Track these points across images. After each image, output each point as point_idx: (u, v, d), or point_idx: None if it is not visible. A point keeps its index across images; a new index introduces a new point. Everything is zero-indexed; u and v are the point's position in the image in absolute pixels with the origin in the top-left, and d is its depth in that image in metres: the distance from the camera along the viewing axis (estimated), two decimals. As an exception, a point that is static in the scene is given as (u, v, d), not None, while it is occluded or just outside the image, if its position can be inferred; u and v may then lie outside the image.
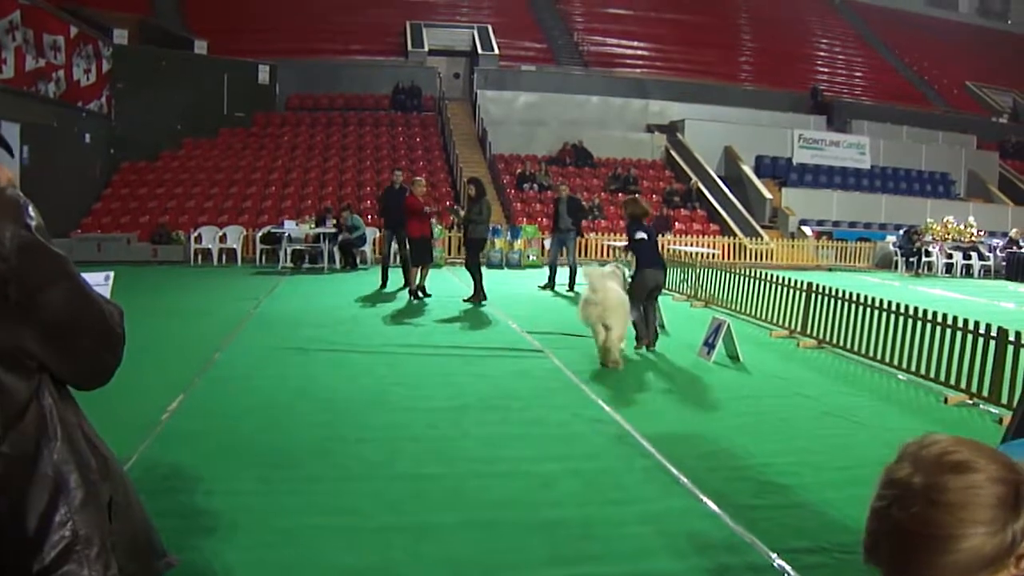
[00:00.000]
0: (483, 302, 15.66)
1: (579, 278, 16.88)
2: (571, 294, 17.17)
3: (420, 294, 15.94)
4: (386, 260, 17.67)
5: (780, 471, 6.41)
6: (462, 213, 16.74)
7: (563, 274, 18.11)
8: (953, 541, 1.37)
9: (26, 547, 1.65)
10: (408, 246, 16.22)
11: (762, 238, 28.57)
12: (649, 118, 35.79)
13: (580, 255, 24.88)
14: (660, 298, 12.92)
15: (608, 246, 24.83)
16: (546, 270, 18.64)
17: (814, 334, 12.40)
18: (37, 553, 1.66)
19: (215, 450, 6.58)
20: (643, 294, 11.45)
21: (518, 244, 24.62)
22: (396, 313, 14.46)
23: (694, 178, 31.78)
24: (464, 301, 15.58)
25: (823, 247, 29.59)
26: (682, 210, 30.01)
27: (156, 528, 1.99)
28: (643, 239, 11.52)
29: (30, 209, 1.67)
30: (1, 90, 20.81)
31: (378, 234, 22.53)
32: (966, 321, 9.31)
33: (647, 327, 11.69)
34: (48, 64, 23.63)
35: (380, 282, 17.48)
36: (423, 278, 16.08)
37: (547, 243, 21.72)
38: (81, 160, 26.11)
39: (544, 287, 18.00)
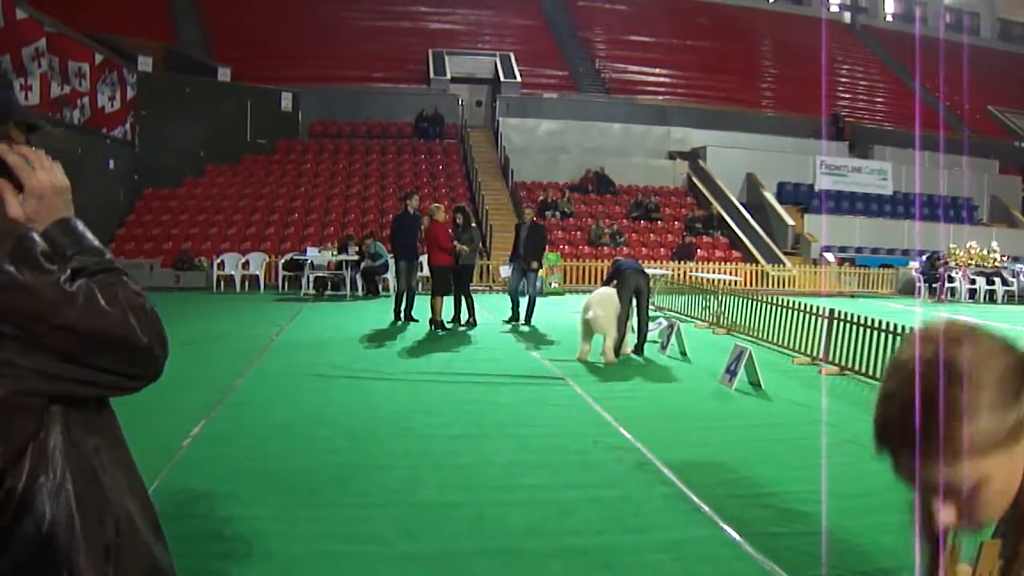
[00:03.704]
0: (451, 325, 16.13)
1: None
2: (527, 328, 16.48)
3: (441, 328, 15.69)
4: (401, 292, 17.02)
5: (801, 499, 6.37)
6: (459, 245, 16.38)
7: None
8: (968, 414, 1.35)
9: None
10: (431, 276, 16.30)
11: (784, 265, 28.51)
12: (671, 145, 35.81)
13: (588, 281, 24.93)
14: (682, 325, 13.38)
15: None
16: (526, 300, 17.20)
17: (836, 361, 12.34)
18: None
19: (235, 476, 6.59)
20: (629, 290, 13.00)
21: (540, 272, 24.56)
22: (417, 341, 14.49)
23: (715, 204, 31.77)
24: (449, 322, 16.06)
25: (845, 273, 29.51)
26: (704, 237, 29.98)
27: (171, 565, 1.97)
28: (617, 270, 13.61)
29: (27, 239, 1.66)
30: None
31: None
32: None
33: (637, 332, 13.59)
34: (73, 91, 23.88)
35: (394, 316, 17.00)
36: (440, 311, 15.81)
37: (504, 271, 20.93)
38: (105, 186, 26.31)
39: (509, 321, 16.89)
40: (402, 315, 16.78)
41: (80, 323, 1.68)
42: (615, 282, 13.05)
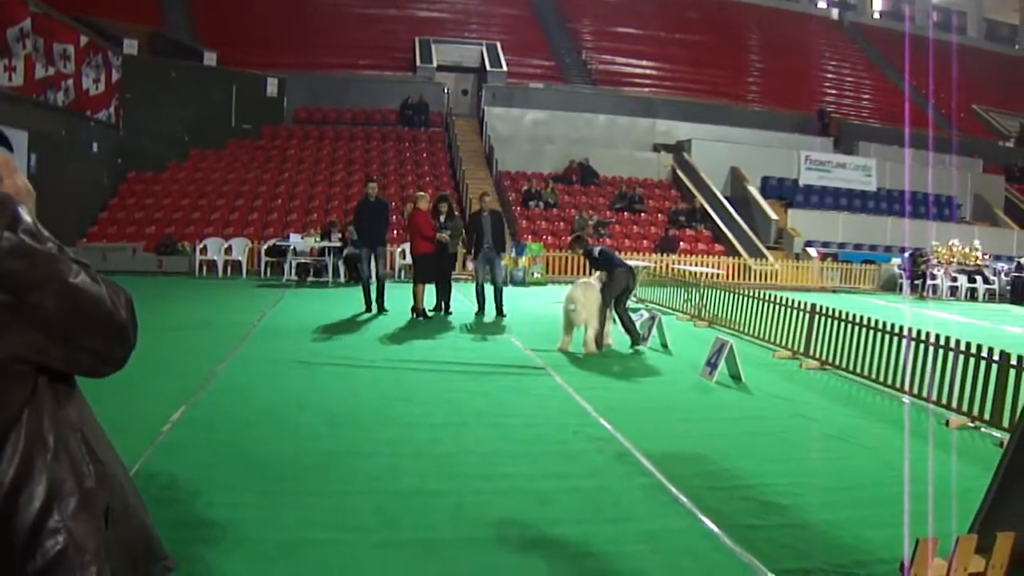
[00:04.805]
0: (432, 314, 15.99)
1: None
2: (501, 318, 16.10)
3: (423, 316, 15.57)
4: (367, 281, 16.57)
5: (780, 492, 6.40)
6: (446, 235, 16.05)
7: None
8: None
9: (18, 554, 1.66)
10: (413, 264, 16.26)
11: (767, 259, 28.58)
12: (656, 137, 35.80)
13: (571, 272, 24.98)
14: (664, 317, 13.46)
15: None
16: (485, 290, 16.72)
17: (817, 355, 12.38)
18: (29, 560, 1.67)
19: (216, 462, 6.59)
20: (617, 291, 12.98)
21: (523, 261, 24.62)
22: (399, 328, 14.47)
23: (698, 197, 31.82)
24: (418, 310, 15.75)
25: (828, 269, 29.57)
26: (687, 230, 30.01)
27: (156, 533, 2.00)
28: (601, 251, 13.55)
29: (19, 210, 1.68)
30: (10, 97, 20.89)
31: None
32: (968, 344, 9.30)
33: (627, 329, 13.31)
34: (57, 73, 23.72)
35: (364, 306, 16.35)
36: (422, 298, 15.68)
37: (469, 264, 19.46)
38: (88, 169, 26.21)
39: (477, 313, 16.49)
40: (375, 304, 16.36)
41: (74, 294, 1.70)
42: (601, 273, 13.03)
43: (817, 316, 12.57)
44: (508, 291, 16.77)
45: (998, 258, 30.70)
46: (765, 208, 32.02)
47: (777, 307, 13.89)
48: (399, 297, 16.83)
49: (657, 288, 20.08)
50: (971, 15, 57.44)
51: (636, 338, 13.20)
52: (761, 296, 14.74)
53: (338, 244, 22.61)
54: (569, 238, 15.18)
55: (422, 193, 16.53)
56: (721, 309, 16.16)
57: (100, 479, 1.80)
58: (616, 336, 13.40)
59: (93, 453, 1.82)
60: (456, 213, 16.85)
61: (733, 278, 26.22)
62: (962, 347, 9.38)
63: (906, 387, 10.17)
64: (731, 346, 10.93)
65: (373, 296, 16.36)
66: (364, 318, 15.45)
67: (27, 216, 1.69)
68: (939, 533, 4.59)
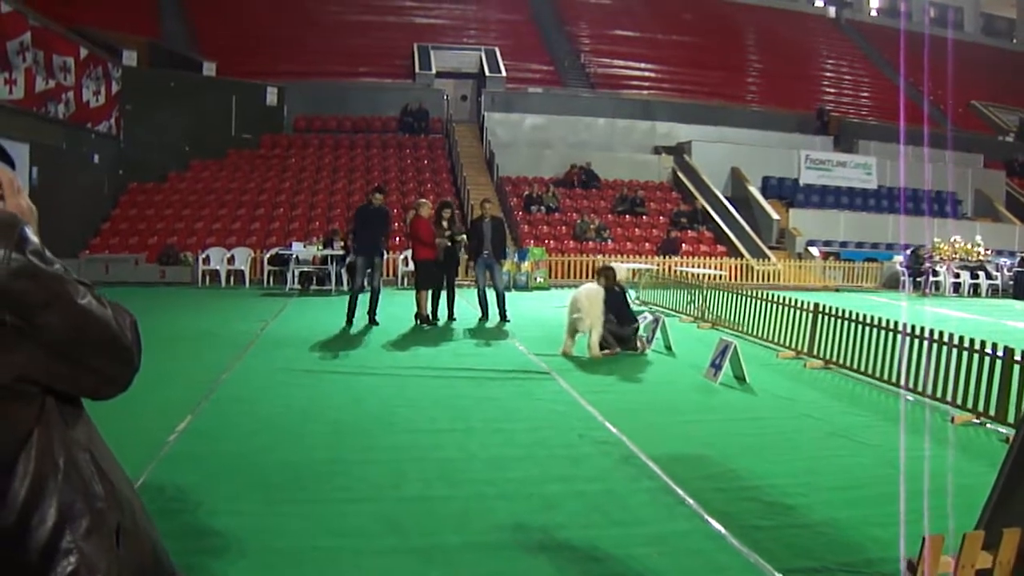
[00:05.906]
0: (435, 321, 15.86)
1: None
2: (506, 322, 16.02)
3: (426, 323, 15.52)
4: (357, 292, 15.64)
5: (786, 491, 6.40)
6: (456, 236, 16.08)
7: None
8: None
9: (30, 575, 1.66)
10: (415, 271, 16.21)
11: (769, 259, 28.55)
12: (656, 139, 35.80)
13: (574, 276, 25.00)
14: (667, 319, 13.53)
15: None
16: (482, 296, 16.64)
17: (821, 355, 12.37)
18: None
19: (221, 471, 6.59)
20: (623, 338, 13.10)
21: (525, 266, 24.61)
22: (402, 335, 14.46)
23: (700, 198, 31.82)
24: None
25: (830, 267, 29.54)
26: (689, 232, 29.99)
27: (165, 548, 2.01)
28: (626, 310, 13.31)
29: (26, 231, 1.68)
30: (11, 111, 20.92)
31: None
32: (972, 340, 9.29)
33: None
34: (58, 85, 23.75)
35: (345, 319, 15.34)
36: (425, 305, 15.62)
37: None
38: (90, 181, 26.20)
39: (481, 320, 16.30)
40: (367, 316, 15.54)
41: (80, 315, 1.71)
42: (605, 279, 13.03)
43: (820, 315, 12.57)
44: (511, 296, 16.81)
45: (1000, 253, 30.68)
46: (766, 208, 32.01)
47: (780, 307, 13.87)
48: (402, 303, 16.82)
49: (660, 290, 20.06)
50: (968, 10, 57.38)
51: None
52: (764, 296, 14.74)
53: (341, 252, 22.58)
54: (600, 266, 14.66)
55: (424, 200, 16.54)
56: (724, 310, 16.15)
57: (110, 499, 1.80)
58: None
59: (103, 473, 1.82)
60: (456, 219, 16.80)
61: (736, 279, 26.21)
62: (966, 343, 9.38)
63: (910, 385, 10.16)
64: (735, 347, 10.93)
65: (366, 308, 15.48)
66: (367, 325, 15.26)
67: (34, 237, 1.69)
68: (945, 530, 4.59)
